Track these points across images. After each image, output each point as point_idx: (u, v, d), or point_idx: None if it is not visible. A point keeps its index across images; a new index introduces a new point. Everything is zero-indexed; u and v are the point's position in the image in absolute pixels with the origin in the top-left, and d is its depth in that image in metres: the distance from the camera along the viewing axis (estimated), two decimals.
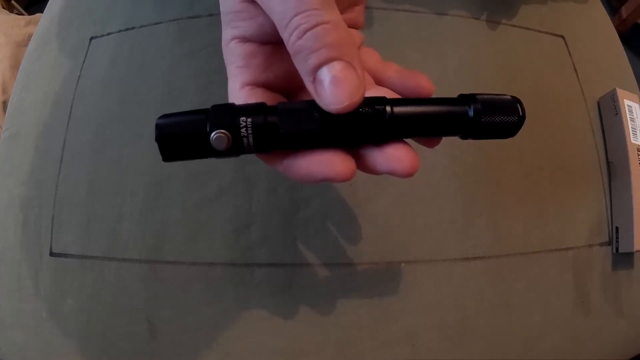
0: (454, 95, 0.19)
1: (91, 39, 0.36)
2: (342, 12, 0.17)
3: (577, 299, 0.32)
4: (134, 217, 0.31)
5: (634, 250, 0.32)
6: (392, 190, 0.32)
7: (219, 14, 0.20)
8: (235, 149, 0.17)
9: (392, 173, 0.18)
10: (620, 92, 0.36)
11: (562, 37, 0.40)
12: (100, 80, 0.34)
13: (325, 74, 0.16)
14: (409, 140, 0.19)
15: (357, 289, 0.30)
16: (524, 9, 0.40)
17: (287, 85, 0.21)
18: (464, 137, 0.19)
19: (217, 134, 0.17)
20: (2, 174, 0.33)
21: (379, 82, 0.22)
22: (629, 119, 0.35)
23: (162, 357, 0.29)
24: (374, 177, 0.32)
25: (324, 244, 0.30)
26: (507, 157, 0.34)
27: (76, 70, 0.35)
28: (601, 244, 0.34)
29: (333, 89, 0.16)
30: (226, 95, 0.20)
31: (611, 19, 0.44)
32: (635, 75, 0.40)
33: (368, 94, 0.17)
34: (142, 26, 0.36)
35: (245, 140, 0.17)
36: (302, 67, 0.17)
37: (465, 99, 0.18)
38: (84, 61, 0.35)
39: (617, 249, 0.33)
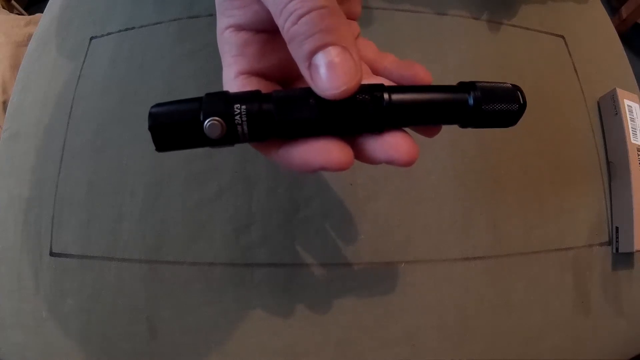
0: None
1: (91, 39, 0.36)
2: (338, 2, 0.17)
3: (577, 299, 0.32)
4: (134, 217, 0.31)
5: (634, 250, 0.32)
6: (392, 190, 0.32)
7: None
8: (229, 137, 0.17)
9: (390, 162, 0.17)
10: (620, 92, 0.36)
11: (562, 37, 0.40)
12: (100, 80, 0.34)
13: (320, 59, 0.16)
14: (408, 131, 0.18)
15: (357, 289, 0.30)
16: (524, 9, 0.40)
17: (282, 74, 0.20)
18: (463, 126, 0.19)
19: (211, 122, 0.16)
20: (2, 174, 0.33)
21: (376, 72, 0.22)
22: (629, 119, 0.35)
23: (162, 357, 0.29)
24: (375, 176, 0.32)
25: (324, 244, 0.30)
26: (507, 157, 0.34)
27: (76, 70, 0.35)
28: (601, 244, 0.34)
29: (329, 74, 0.16)
30: None
31: (611, 19, 0.44)
32: (635, 75, 0.40)
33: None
34: (142, 26, 0.36)
35: (239, 128, 0.17)
36: (297, 53, 0.16)
37: (465, 87, 0.18)
38: (84, 61, 0.35)
39: (617, 249, 0.33)
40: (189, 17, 0.36)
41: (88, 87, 0.34)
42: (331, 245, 0.30)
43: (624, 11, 1.10)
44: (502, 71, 0.37)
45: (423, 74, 0.20)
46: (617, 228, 0.34)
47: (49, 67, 0.36)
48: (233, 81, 0.19)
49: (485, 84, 0.18)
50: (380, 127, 0.17)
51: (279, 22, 0.16)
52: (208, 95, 0.17)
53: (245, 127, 0.17)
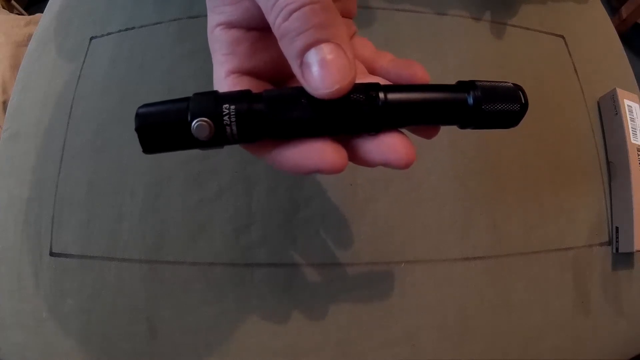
0: None
1: (91, 39, 0.36)
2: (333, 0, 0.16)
3: (577, 299, 0.32)
4: (134, 217, 0.31)
5: (634, 250, 0.32)
6: (392, 190, 0.32)
7: None
8: (218, 138, 0.16)
9: (386, 164, 0.17)
10: (620, 92, 0.36)
11: (562, 37, 0.40)
12: (100, 80, 0.34)
13: (312, 56, 0.15)
14: (406, 132, 0.18)
15: (357, 289, 0.30)
16: (524, 9, 0.40)
17: (274, 73, 0.20)
18: (462, 127, 0.18)
19: (199, 123, 0.16)
20: (2, 174, 0.33)
21: (373, 72, 0.21)
22: (629, 119, 0.35)
23: (162, 357, 0.29)
24: (375, 177, 0.32)
25: (324, 244, 0.30)
26: (507, 157, 0.34)
27: (76, 70, 0.35)
28: (601, 244, 0.34)
29: (321, 72, 0.15)
30: None
31: (611, 19, 0.44)
32: (635, 75, 0.40)
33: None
34: (142, 26, 0.36)
35: (228, 128, 0.16)
36: (289, 50, 0.16)
37: (465, 86, 0.18)
38: (84, 61, 0.35)
39: (617, 249, 0.33)
40: (189, 17, 0.36)
41: (88, 87, 0.34)
42: (331, 245, 0.30)
43: (624, 11, 1.10)
44: (502, 71, 0.37)
45: (421, 74, 0.19)
46: (617, 228, 0.34)
47: (49, 67, 0.36)
48: (224, 81, 0.19)
49: (485, 83, 0.18)
50: (376, 128, 0.17)
51: (270, 18, 0.16)
52: (196, 95, 0.17)
53: (234, 128, 0.16)
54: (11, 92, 0.37)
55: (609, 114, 0.37)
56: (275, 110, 0.16)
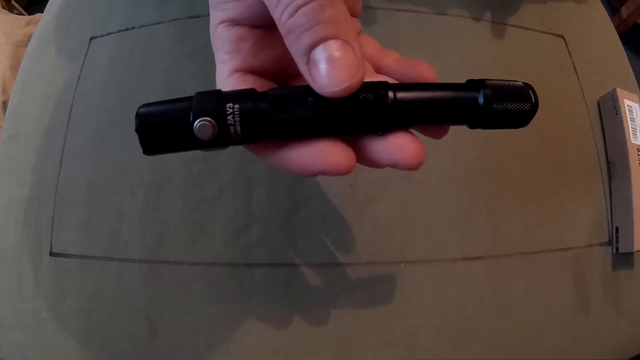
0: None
1: (91, 39, 0.36)
2: None
3: (577, 299, 0.32)
4: (134, 217, 0.31)
5: (634, 250, 0.32)
6: (392, 190, 0.32)
7: None
8: (221, 138, 0.16)
9: (395, 165, 0.16)
10: (620, 92, 0.36)
11: (562, 37, 0.40)
12: (100, 80, 0.34)
13: (320, 53, 0.15)
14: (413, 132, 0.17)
15: (357, 289, 0.30)
16: (524, 8, 0.40)
17: (280, 71, 0.19)
18: (472, 127, 0.18)
19: (201, 122, 0.15)
20: (2, 174, 0.33)
21: (378, 71, 0.20)
22: (629, 119, 0.35)
23: (162, 357, 0.29)
24: (375, 177, 0.32)
25: (324, 244, 0.30)
26: (507, 157, 0.34)
27: (76, 70, 0.35)
28: (601, 244, 0.34)
29: (329, 69, 0.14)
30: None
31: (611, 19, 0.44)
32: (635, 75, 0.40)
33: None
34: (142, 26, 0.36)
35: (232, 128, 0.15)
36: (295, 47, 0.15)
37: (474, 85, 0.17)
38: (84, 61, 0.35)
39: (617, 249, 0.33)
40: (189, 17, 0.36)
41: (88, 87, 0.34)
42: (331, 245, 0.30)
43: (624, 11, 1.10)
44: (502, 71, 0.37)
45: (428, 73, 0.18)
46: (617, 228, 0.34)
47: (49, 67, 0.36)
48: (227, 80, 0.18)
49: (495, 81, 0.17)
50: (385, 128, 0.16)
51: (275, 14, 0.15)
52: (199, 94, 0.16)
53: (238, 128, 0.16)
54: (11, 92, 0.37)
55: (609, 114, 0.37)
56: (280, 109, 0.16)
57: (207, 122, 0.15)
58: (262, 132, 0.16)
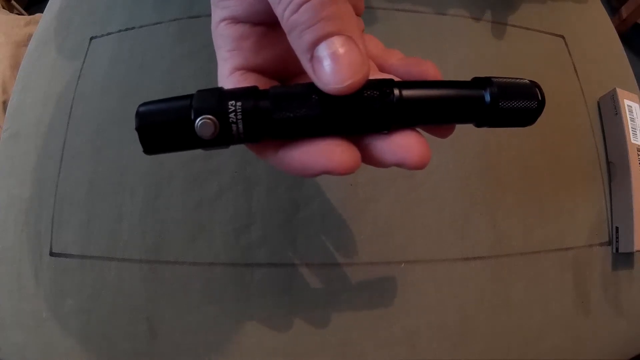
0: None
1: (91, 39, 0.36)
2: None
3: (577, 299, 0.32)
4: (134, 217, 0.31)
5: (634, 250, 0.32)
6: (392, 190, 0.32)
7: None
8: (223, 137, 0.15)
9: (400, 164, 0.16)
10: (620, 92, 0.36)
11: (562, 37, 0.40)
12: (100, 80, 0.34)
13: (323, 50, 0.14)
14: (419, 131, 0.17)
15: (357, 289, 0.30)
16: (523, 8, 0.40)
17: (282, 70, 0.19)
18: (478, 125, 0.17)
19: (203, 120, 0.15)
20: (2, 174, 0.33)
21: (382, 70, 0.20)
22: (629, 119, 0.35)
23: (162, 357, 0.29)
24: (375, 177, 0.32)
25: (324, 244, 0.30)
26: (507, 157, 0.34)
27: (76, 70, 0.35)
28: (601, 244, 0.34)
29: (333, 66, 0.14)
30: None
31: (611, 19, 0.44)
32: (635, 75, 0.40)
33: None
34: (142, 26, 0.36)
35: (234, 127, 0.15)
36: (298, 44, 0.15)
37: (480, 82, 0.17)
38: (84, 61, 0.35)
39: (617, 249, 0.33)
40: (189, 17, 0.36)
41: (88, 87, 0.34)
42: (331, 245, 0.30)
43: (624, 11, 1.10)
44: (502, 71, 0.37)
45: (432, 72, 0.18)
46: (617, 228, 0.34)
47: (49, 67, 0.36)
48: (228, 78, 0.18)
49: (501, 79, 0.17)
50: (390, 126, 0.16)
51: (278, 11, 0.15)
52: (200, 92, 0.16)
53: (240, 126, 0.15)
54: (11, 92, 0.37)
55: (609, 114, 0.37)
56: (283, 107, 0.15)
57: (208, 120, 0.15)
58: (264, 131, 0.16)
